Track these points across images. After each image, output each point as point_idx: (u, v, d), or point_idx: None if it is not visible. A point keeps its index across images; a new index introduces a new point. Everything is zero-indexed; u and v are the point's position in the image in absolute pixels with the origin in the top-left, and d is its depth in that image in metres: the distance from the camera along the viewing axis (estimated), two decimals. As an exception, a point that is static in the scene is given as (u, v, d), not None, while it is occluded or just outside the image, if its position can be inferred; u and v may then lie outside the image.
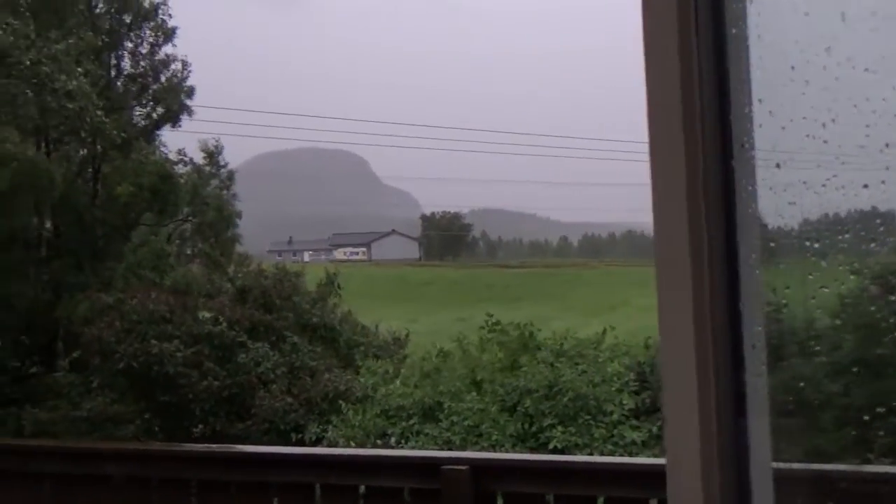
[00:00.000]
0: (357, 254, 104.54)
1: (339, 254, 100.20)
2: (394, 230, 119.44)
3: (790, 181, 1.31)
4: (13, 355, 19.45)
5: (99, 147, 22.30)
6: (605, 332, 16.05)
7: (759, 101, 1.27)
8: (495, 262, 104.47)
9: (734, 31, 1.27)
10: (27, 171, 19.30)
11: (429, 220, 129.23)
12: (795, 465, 1.36)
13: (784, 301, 1.41)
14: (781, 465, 1.30)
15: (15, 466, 4.81)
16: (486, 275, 79.49)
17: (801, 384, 1.42)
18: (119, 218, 22.45)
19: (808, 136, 1.26)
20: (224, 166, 28.34)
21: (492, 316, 16.18)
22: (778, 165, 1.31)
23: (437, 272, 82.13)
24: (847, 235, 1.33)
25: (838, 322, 1.47)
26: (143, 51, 24.19)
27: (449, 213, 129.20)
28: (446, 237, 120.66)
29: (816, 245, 1.35)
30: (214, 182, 27.42)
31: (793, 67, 1.27)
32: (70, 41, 18.95)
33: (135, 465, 4.61)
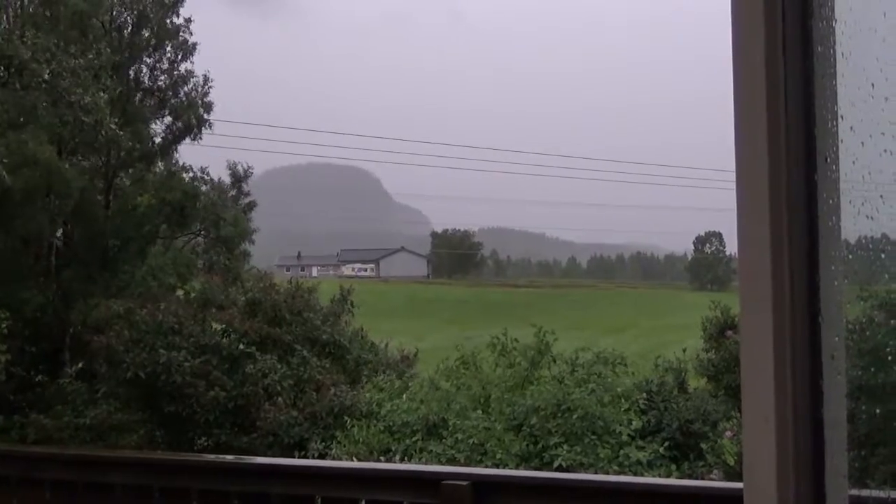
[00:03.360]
0: (365, 270, 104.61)
1: (347, 269, 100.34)
2: (403, 247, 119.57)
3: (868, 195, 1.36)
4: (20, 363, 19.46)
5: (112, 159, 22.44)
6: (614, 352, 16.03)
7: (842, 117, 1.32)
8: (503, 281, 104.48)
9: (820, 48, 1.32)
10: (45, 174, 19.43)
11: (439, 238, 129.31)
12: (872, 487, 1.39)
13: (859, 313, 1.44)
14: (857, 491, 1.33)
15: (17, 472, 4.82)
16: (494, 293, 79.50)
17: (876, 395, 1.45)
18: (134, 229, 22.57)
19: (885, 151, 1.31)
20: (247, 194, 28.58)
21: (503, 334, 16.06)
22: (860, 179, 1.35)
23: (445, 290, 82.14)
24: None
25: None
26: (163, 66, 24.39)
27: (459, 231, 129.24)
28: (455, 255, 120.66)
29: (891, 259, 1.40)
30: (232, 201, 27.60)
31: (873, 85, 1.32)
32: (90, 56, 19.08)
33: (136, 473, 4.61)
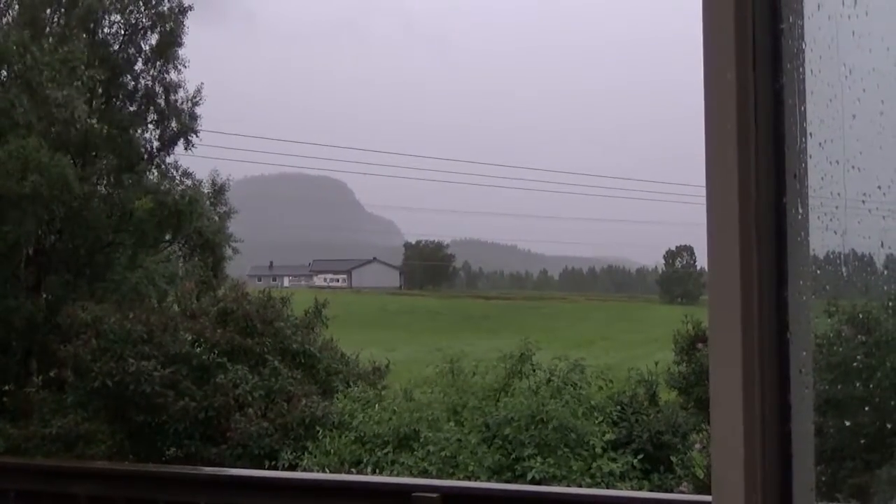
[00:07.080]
0: (337, 280, 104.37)
1: (319, 280, 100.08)
2: (375, 258, 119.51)
3: (836, 212, 1.38)
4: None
5: (103, 161, 22.18)
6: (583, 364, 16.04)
7: (810, 134, 1.34)
8: (476, 293, 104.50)
9: (789, 66, 1.34)
10: (50, 179, 19.12)
11: (411, 249, 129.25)
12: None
13: (825, 328, 1.46)
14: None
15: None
16: (465, 305, 79.62)
17: (844, 409, 1.47)
18: (128, 234, 22.35)
19: (853, 167, 1.34)
20: (225, 203, 28.43)
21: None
22: (828, 196, 1.37)
23: (417, 301, 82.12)
24: (887, 271, 1.39)
25: (875, 351, 1.52)
26: (154, 73, 24.31)
27: (432, 242, 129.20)
28: (427, 267, 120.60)
29: (858, 275, 1.42)
30: (213, 209, 27.45)
31: (841, 102, 1.35)
32: (66, 48, 18.83)
33: (102, 484, 4.56)
